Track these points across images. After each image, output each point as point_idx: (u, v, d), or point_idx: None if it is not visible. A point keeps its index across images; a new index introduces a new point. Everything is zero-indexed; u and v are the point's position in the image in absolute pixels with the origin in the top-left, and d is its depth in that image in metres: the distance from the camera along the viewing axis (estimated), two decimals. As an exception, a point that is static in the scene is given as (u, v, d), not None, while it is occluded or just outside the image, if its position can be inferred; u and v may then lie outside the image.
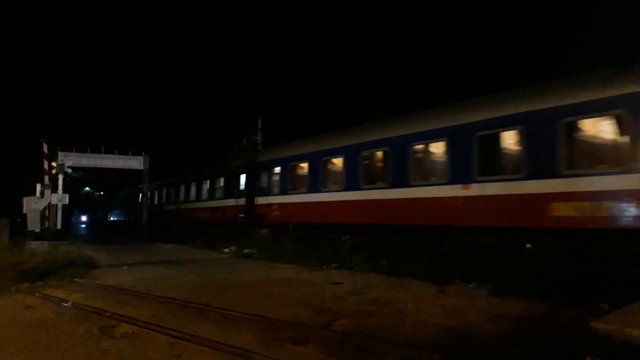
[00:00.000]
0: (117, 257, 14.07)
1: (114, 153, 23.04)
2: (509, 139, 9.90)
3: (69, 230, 25.62)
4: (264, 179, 17.44)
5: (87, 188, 56.94)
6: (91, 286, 8.86)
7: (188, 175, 26.28)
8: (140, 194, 27.24)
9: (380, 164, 13.30)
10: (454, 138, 10.66)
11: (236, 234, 16.56)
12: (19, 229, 16.59)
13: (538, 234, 8.85)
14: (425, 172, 11.82)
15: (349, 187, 13.44)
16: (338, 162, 14.26)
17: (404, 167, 11.84)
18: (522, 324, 5.46)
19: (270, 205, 16.66)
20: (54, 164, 19.70)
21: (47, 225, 18.21)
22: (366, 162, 13.33)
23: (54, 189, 18.77)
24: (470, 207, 10.00)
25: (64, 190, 19.64)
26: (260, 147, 29.41)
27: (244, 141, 31.33)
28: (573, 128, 8.69)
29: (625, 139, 7.97)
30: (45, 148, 18.81)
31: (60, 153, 20.55)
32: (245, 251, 14.38)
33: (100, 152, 22.57)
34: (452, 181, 10.52)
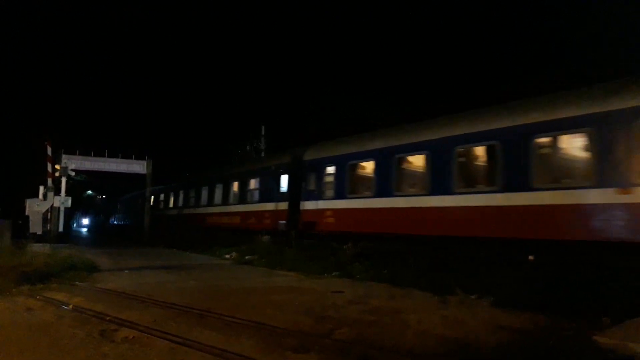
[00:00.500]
0: (118, 261, 14.07)
1: (117, 157, 23.14)
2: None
3: (69, 233, 25.65)
4: (312, 180, 15.08)
5: (89, 191, 57.04)
6: (92, 290, 8.85)
7: (201, 177, 24.66)
8: (143, 198, 26.57)
9: (481, 163, 10.95)
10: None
11: (238, 240, 16.49)
12: (20, 231, 16.63)
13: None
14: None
15: (437, 190, 11.12)
16: (417, 160, 12.03)
17: (524, 165, 9.43)
18: (523, 336, 5.44)
19: (322, 211, 14.36)
20: (57, 166, 19.80)
21: (48, 228, 18.26)
22: (461, 159, 10.93)
23: (57, 192, 18.85)
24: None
25: (67, 193, 19.71)
26: (263, 152, 29.47)
27: (247, 147, 31.42)
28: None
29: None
30: (49, 150, 18.93)
31: (63, 156, 20.66)
32: (246, 257, 14.38)
33: (103, 156, 22.67)
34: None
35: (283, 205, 16.24)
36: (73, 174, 21.20)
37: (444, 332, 5.65)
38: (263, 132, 30.28)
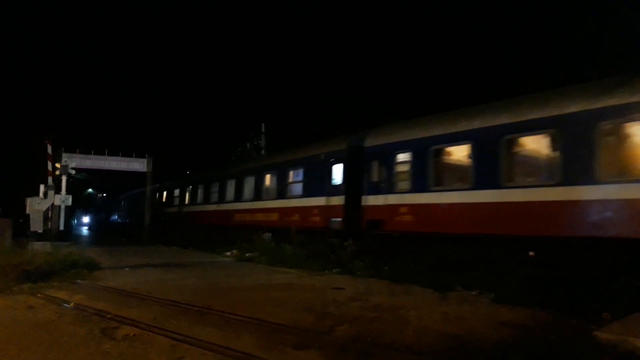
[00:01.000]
0: (119, 259, 14.08)
1: (117, 155, 23.13)
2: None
3: (70, 231, 25.67)
4: (378, 170, 12.81)
5: (90, 190, 57.07)
6: (93, 287, 8.86)
7: (225, 170, 22.81)
8: (144, 196, 26.08)
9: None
10: None
11: (238, 237, 16.42)
12: (21, 229, 16.63)
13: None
14: None
15: (576, 180, 8.72)
16: (540, 142, 9.63)
17: None
18: (524, 333, 5.43)
19: (393, 207, 12.11)
20: (57, 165, 19.79)
21: (49, 226, 18.27)
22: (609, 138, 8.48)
23: (57, 190, 18.85)
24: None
25: (67, 192, 19.71)
26: (263, 150, 29.41)
27: (247, 145, 31.38)
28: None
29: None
30: (49, 149, 18.93)
31: (64, 154, 20.65)
32: (247, 255, 14.41)
33: (104, 154, 22.66)
34: None
35: (337, 200, 14.01)
36: (73, 172, 21.17)
37: (445, 329, 5.65)
38: (263, 130, 30.28)
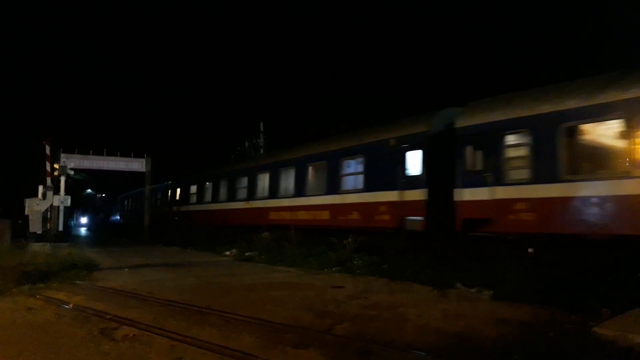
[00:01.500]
0: (118, 260, 14.07)
1: (116, 155, 23.11)
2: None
3: (69, 232, 25.65)
4: (476, 156, 10.45)
5: (89, 190, 57.04)
6: (92, 288, 8.86)
7: (253, 163, 20.29)
8: (146, 195, 25.80)
9: None
10: None
11: (237, 237, 16.36)
12: (20, 230, 16.62)
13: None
14: None
15: None
16: None
17: None
18: (523, 329, 5.44)
19: (501, 202, 9.85)
20: (56, 165, 19.77)
21: (48, 227, 18.26)
22: None
23: (56, 191, 18.84)
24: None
25: (66, 192, 19.69)
26: (262, 149, 29.36)
27: (246, 144, 31.33)
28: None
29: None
30: (47, 150, 18.90)
31: (62, 155, 20.61)
32: (247, 254, 14.39)
33: (102, 154, 22.64)
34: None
35: (414, 195, 11.66)
36: (72, 172, 21.14)
37: (444, 326, 5.66)
38: (262, 129, 30.24)
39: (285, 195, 16.77)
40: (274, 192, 17.51)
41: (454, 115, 11.48)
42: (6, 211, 19.33)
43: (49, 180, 18.56)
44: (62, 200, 19.18)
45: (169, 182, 28.06)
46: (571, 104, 9.13)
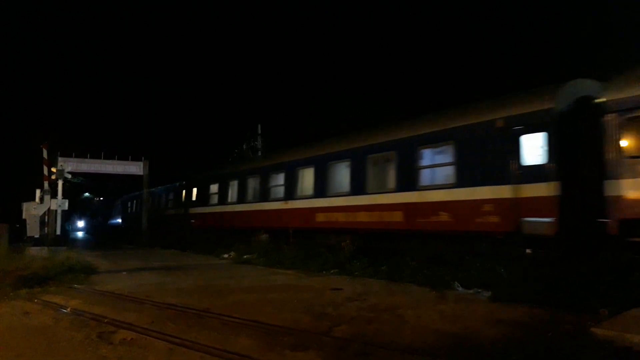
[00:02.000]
0: (116, 263, 14.04)
1: (113, 158, 23.10)
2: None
3: (67, 236, 25.58)
4: (635, 138, 8.12)
5: (87, 194, 56.90)
6: (90, 292, 8.84)
7: (295, 157, 16.33)
8: (147, 199, 24.86)
9: None
10: None
11: (235, 239, 16.30)
12: (18, 234, 16.59)
13: None
14: None
15: None
16: None
17: None
18: (521, 330, 5.45)
19: None
20: (53, 169, 19.72)
21: (46, 231, 18.22)
22: None
23: (54, 195, 18.78)
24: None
25: (64, 196, 19.64)
26: (260, 152, 29.30)
27: (244, 146, 31.29)
28: None
29: None
30: (45, 153, 18.86)
31: (60, 158, 20.61)
32: (245, 257, 14.37)
33: (100, 158, 22.63)
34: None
35: (537, 189, 9.13)
36: (69, 176, 21.09)
37: (443, 327, 5.66)
38: (259, 131, 30.22)
39: (339, 194, 13.97)
40: (322, 190, 14.57)
41: (594, 88, 9.07)
42: (3, 215, 19.29)
43: (46, 183, 18.52)
44: (59, 204, 19.11)
45: (183, 182, 25.13)
46: None
